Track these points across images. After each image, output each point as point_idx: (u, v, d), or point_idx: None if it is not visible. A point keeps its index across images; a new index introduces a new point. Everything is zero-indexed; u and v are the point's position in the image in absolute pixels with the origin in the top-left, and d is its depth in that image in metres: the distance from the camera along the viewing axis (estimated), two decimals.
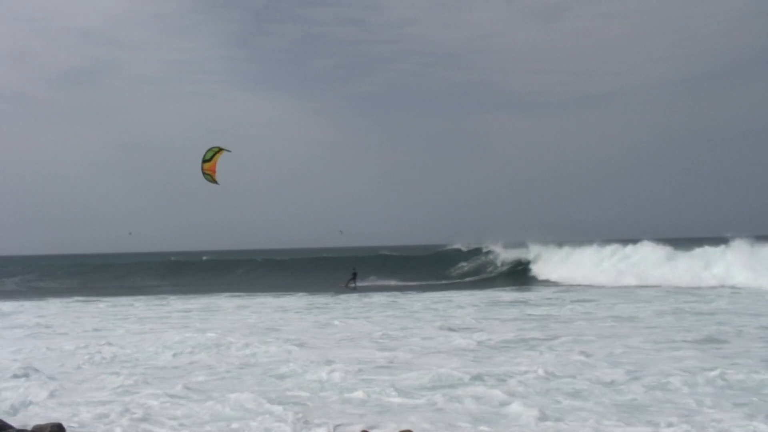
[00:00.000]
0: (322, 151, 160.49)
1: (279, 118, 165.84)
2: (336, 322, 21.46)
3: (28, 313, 27.17)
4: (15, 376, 13.19)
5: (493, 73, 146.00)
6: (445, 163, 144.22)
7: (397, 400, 10.91)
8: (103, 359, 15.33)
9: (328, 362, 13.92)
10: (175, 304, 30.65)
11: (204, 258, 63.99)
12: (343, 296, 33.22)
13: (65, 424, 9.59)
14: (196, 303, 30.56)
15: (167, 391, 11.81)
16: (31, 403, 11.31)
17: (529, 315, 22.22)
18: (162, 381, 12.81)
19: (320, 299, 31.52)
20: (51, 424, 9.55)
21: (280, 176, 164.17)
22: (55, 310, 28.73)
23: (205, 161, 25.22)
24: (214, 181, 24.13)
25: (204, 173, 25.92)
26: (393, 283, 43.21)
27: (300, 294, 35.11)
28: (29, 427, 9.49)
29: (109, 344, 17.30)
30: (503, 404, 10.45)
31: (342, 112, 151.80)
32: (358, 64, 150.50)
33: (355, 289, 40.36)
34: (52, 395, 11.80)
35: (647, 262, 38.70)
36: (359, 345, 16.57)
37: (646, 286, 34.30)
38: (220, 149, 25.91)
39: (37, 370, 13.71)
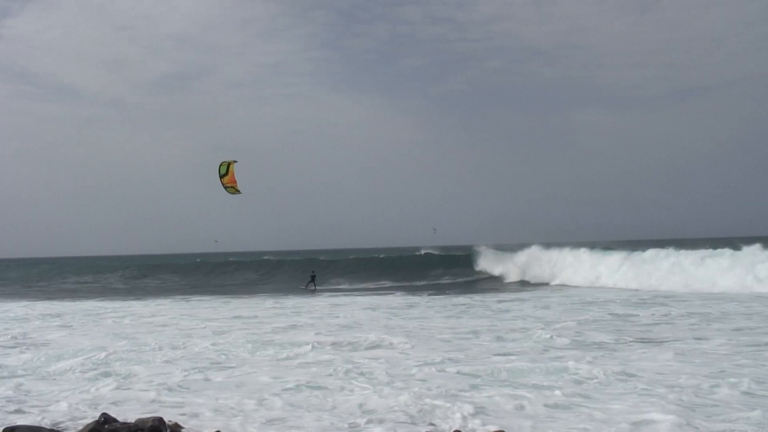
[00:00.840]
0: (412, 150, 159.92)
1: (369, 119, 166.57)
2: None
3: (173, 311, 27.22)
4: None
5: (582, 68, 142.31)
6: (533, 159, 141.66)
7: None
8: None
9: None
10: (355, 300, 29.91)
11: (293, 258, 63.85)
12: (433, 296, 32.22)
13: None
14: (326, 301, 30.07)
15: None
16: None
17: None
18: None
19: (414, 298, 30.67)
20: (152, 418, 9.01)
21: (371, 176, 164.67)
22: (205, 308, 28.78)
23: (222, 176, 25.22)
24: (237, 191, 24.12)
25: (225, 187, 25.94)
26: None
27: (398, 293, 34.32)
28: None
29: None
30: None
31: (431, 110, 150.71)
32: (448, 62, 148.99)
33: (314, 291, 39.76)
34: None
35: None
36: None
37: None
38: (231, 162, 26.19)
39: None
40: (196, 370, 12.91)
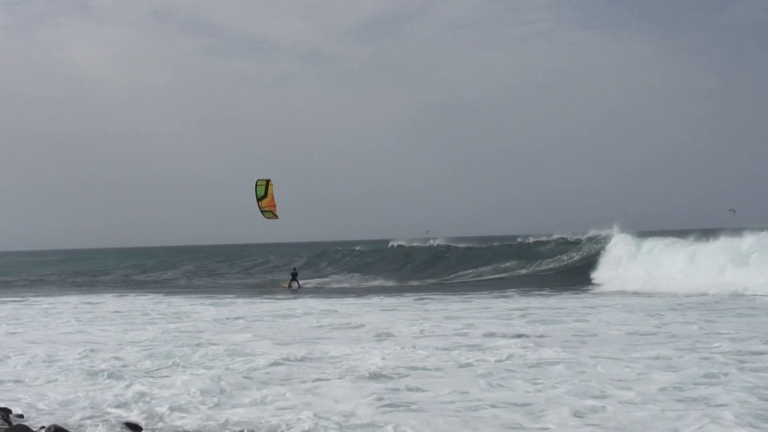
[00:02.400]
0: (699, 101, 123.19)
1: (631, 61, 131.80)
2: None
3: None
4: None
5: None
6: None
7: None
8: None
9: None
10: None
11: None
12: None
13: None
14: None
15: None
16: None
17: None
18: None
19: None
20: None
21: (633, 138, 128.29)
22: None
23: (260, 199, 22.93)
24: (275, 216, 22.04)
25: (263, 211, 23.48)
26: None
27: None
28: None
29: None
30: None
31: (718, 47, 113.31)
32: None
33: (298, 289, 37.89)
34: None
35: None
36: None
37: None
38: (268, 181, 23.58)
39: None
40: None
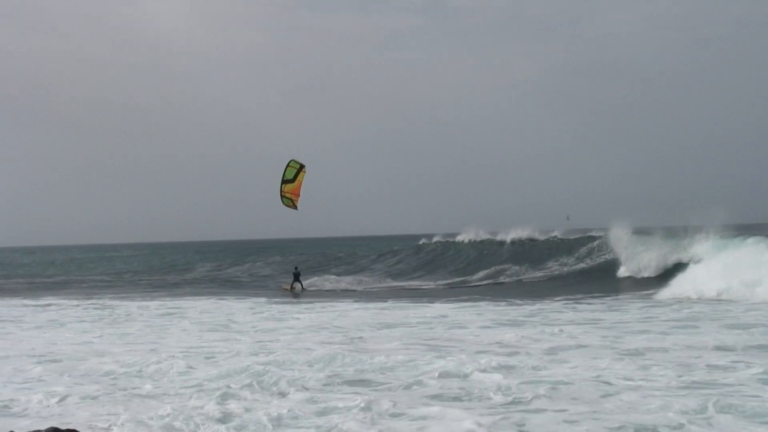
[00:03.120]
0: None
1: None
2: None
3: None
4: None
5: None
6: None
7: None
8: None
9: None
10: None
11: None
12: None
13: None
14: None
15: None
16: None
17: None
18: None
19: None
20: None
21: None
22: None
23: (286, 181, 21.00)
24: (294, 206, 20.64)
25: (283, 196, 21.13)
26: None
27: None
28: None
29: None
30: None
31: None
32: None
33: (302, 291, 33.19)
34: None
35: None
36: None
37: None
38: (302, 166, 21.06)
39: None
40: None
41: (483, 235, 44.39)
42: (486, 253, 42.24)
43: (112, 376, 12.30)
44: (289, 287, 33.98)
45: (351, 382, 11.35)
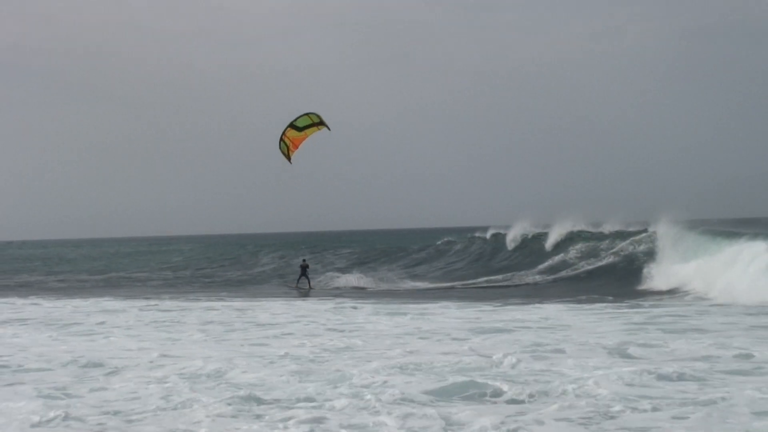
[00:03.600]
0: None
1: None
2: None
3: None
4: None
5: None
6: None
7: None
8: None
9: None
10: None
11: None
12: None
13: None
14: None
15: None
16: None
17: None
18: None
19: None
20: None
21: None
22: None
23: (293, 126, 19.29)
24: (288, 158, 19.15)
25: (282, 140, 19.15)
26: None
27: None
28: None
29: None
30: None
31: None
32: None
33: (310, 289, 29.03)
34: None
35: None
36: None
37: None
38: (321, 121, 19.04)
39: None
40: None
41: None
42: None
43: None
44: (295, 285, 30.42)
45: None
